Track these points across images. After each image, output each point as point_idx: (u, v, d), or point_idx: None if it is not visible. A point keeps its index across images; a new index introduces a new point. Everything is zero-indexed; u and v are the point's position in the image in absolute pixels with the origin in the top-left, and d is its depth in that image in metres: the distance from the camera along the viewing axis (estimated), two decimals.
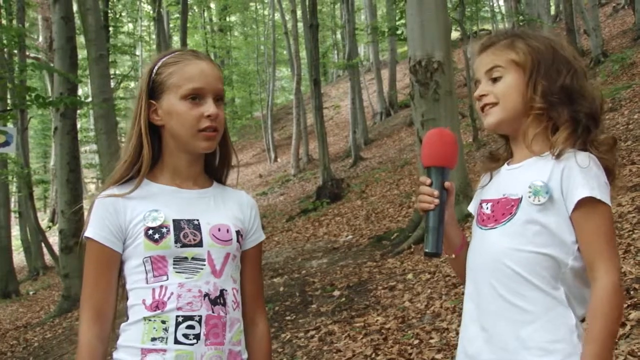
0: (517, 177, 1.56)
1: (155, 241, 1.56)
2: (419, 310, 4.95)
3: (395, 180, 13.38)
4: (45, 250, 14.99)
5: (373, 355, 4.34)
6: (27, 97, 9.26)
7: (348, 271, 6.90)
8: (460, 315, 4.49)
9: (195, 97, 1.61)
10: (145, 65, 1.74)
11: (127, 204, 1.60)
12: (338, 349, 4.64)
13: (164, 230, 1.57)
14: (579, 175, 1.45)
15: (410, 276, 5.95)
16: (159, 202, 1.62)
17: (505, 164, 1.66)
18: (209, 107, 1.61)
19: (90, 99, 9.52)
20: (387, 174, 14.49)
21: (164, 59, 1.66)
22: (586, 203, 1.44)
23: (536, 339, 1.47)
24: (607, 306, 1.41)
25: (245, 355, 1.68)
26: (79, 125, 12.71)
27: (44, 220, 25.22)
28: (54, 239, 17.93)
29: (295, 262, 8.43)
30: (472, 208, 1.76)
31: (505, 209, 1.54)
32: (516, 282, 1.50)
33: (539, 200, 1.48)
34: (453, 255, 1.71)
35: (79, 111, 12.85)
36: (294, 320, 5.69)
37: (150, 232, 1.57)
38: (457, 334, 4.20)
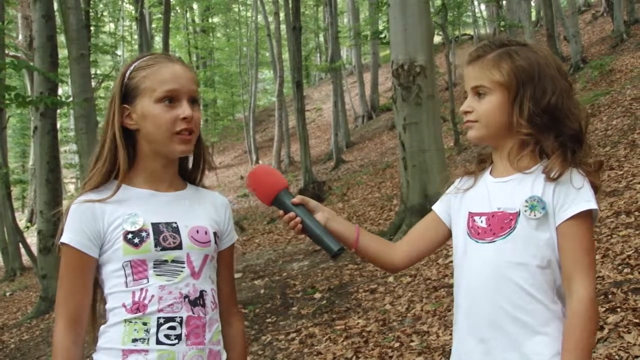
0: (509, 191, 1.57)
1: (135, 245, 1.56)
2: (400, 313, 4.96)
3: (377, 183, 13.42)
4: (23, 250, 14.78)
5: (354, 358, 4.34)
6: (7, 96, 9.14)
7: (329, 274, 6.90)
8: (440, 318, 4.52)
9: (170, 99, 1.61)
10: (119, 71, 1.72)
11: (105, 208, 1.59)
12: (319, 352, 4.64)
13: (144, 234, 1.57)
14: (574, 193, 1.48)
15: (391, 279, 5.96)
16: (137, 205, 1.62)
17: (488, 174, 1.66)
18: (185, 110, 1.61)
19: (70, 99, 9.41)
20: (368, 177, 14.53)
21: (136, 63, 1.66)
22: (576, 217, 1.47)
23: (540, 353, 1.48)
24: (584, 318, 1.44)
25: (224, 356, 1.69)
26: (58, 125, 12.57)
27: (22, 220, 24.91)
28: (31, 239, 17.72)
29: (276, 265, 8.41)
30: (439, 209, 1.78)
31: (504, 222, 1.55)
32: (518, 295, 1.51)
33: (535, 215, 1.50)
34: (353, 250, 1.75)
35: (59, 111, 12.71)
36: (275, 323, 5.67)
37: (130, 236, 1.56)
38: (438, 337, 4.22)
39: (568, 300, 1.48)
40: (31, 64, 11.92)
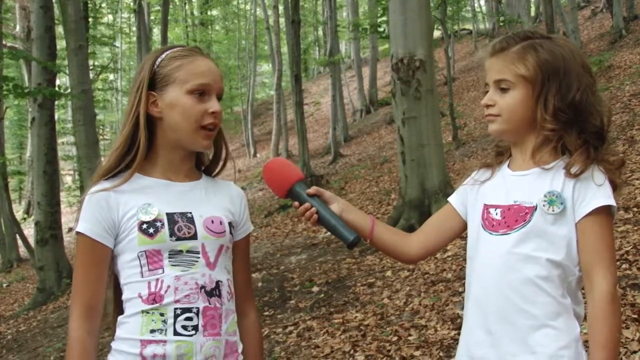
0: (528, 185, 1.56)
1: (150, 235, 1.56)
2: (398, 307, 4.97)
3: (375, 177, 13.41)
4: (20, 242, 14.77)
5: (351, 352, 4.35)
6: (5, 87, 9.12)
7: (327, 267, 6.90)
8: (438, 312, 4.53)
9: (201, 93, 1.61)
10: (147, 57, 1.71)
11: (120, 198, 1.59)
12: (316, 345, 4.65)
13: (158, 224, 1.57)
14: (594, 188, 1.48)
15: (389, 273, 5.97)
16: (151, 195, 1.62)
17: (506, 167, 1.66)
18: (214, 105, 1.62)
19: (68, 90, 9.38)
20: (366, 171, 14.52)
21: (168, 52, 1.66)
22: (597, 212, 1.47)
23: (544, 345, 1.48)
24: (609, 312, 1.44)
25: (240, 347, 1.70)
26: (56, 117, 12.53)
27: (19, 211, 24.88)
28: (28, 230, 17.71)
29: (274, 258, 8.41)
30: (455, 200, 1.76)
31: (519, 215, 1.54)
32: (528, 288, 1.51)
33: (553, 210, 1.50)
34: (368, 241, 1.75)
35: (56, 102, 12.67)
36: (273, 316, 5.68)
37: (145, 226, 1.57)
38: (436, 331, 4.23)
39: (589, 295, 1.47)
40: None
